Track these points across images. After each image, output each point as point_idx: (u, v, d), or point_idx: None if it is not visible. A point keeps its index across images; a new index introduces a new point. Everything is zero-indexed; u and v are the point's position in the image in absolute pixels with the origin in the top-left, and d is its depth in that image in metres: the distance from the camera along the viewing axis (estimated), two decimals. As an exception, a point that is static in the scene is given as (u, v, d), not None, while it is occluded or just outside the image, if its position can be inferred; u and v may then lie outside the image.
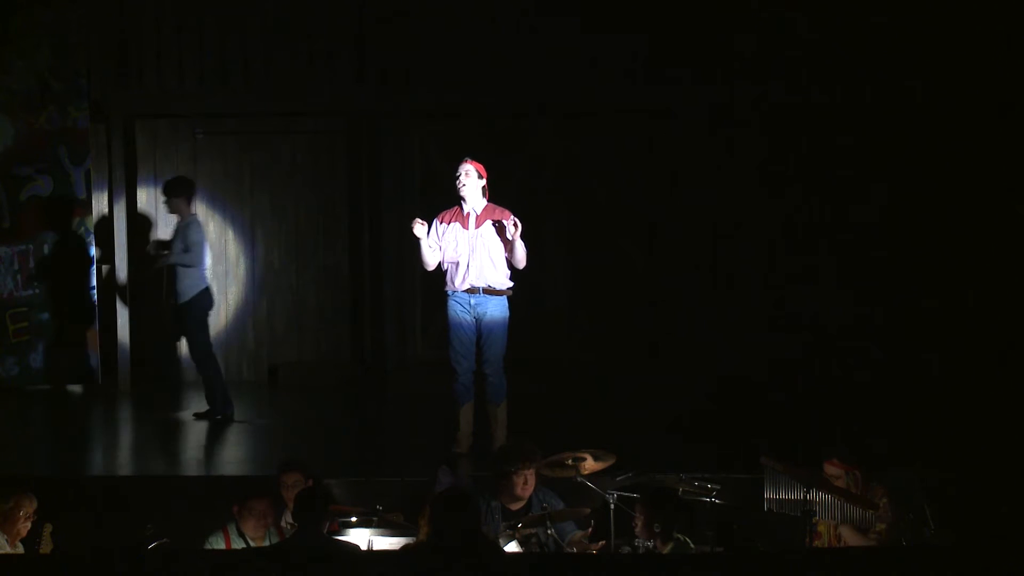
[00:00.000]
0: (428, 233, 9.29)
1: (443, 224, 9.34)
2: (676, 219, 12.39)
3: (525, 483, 7.92)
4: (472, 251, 9.25)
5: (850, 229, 12.18)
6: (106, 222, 12.40)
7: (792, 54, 12.05)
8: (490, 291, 9.27)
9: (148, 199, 12.72)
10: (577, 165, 12.54)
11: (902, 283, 12.10)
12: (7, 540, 7.33)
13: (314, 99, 12.49)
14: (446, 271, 9.37)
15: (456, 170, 9.31)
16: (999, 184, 11.94)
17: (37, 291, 11.98)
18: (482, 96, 12.31)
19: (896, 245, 12.15)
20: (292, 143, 12.81)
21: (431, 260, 9.35)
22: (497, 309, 9.29)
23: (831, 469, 7.59)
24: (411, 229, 9.26)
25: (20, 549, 7.38)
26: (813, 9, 12.07)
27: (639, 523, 7.32)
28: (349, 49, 12.38)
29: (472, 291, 9.27)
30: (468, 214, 9.29)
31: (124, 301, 12.30)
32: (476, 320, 9.30)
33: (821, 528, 7.54)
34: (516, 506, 7.96)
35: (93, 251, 12.02)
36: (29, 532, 7.44)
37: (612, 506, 7.75)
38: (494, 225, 9.22)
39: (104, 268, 12.32)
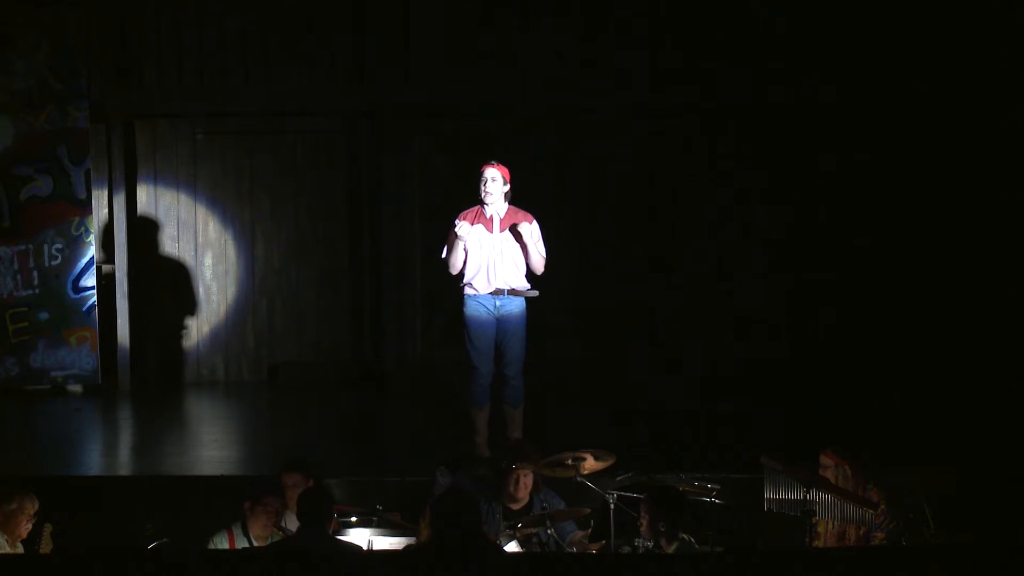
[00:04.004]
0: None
1: (467, 224, 9.19)
2: (677, 219, 12.39)
3: (518, 483, 7.92)
4: (499, 254, 9.14)
5: (848, 229, 12.19)
6: (106, 222, 12.40)
7: (787, 55, 12.06)
8: (515, 292, 9.22)
9: (148, 199, 12.72)
10: (578, 165, 12.52)
11: (901, 282, 12.11)
12: (7, 540, 7.33)
13: (314, 99, 12.49)
14: (471, 273, 9.18)
15: (480, 173, 9.13)
16: (992, 181, 11.97)
17: (37, 291, 11.98)
18: (482, 96, 12.31)
19: (893, 244, 12.16)
20: (292, 143, 12.80)
21: (461, 261, 9.21)
22: (518, 310, 9.21)
23: (824, 459, 7.62)
24: (453, 230, 9.05)
25: (20, 549, 7.38)
26: (813, 11, 12.11)
27: (644, 522, 7.32)
28: (349, 49, 12.38)
29: (497, 293, 9.18)
30: (491, 217, 9.18)
31: (124, 301, 12.29)
32: (497, 321, 9.21)
33: (821, 528, 7.55)
34: (516, 506, 7.97)
35: (93, 251, 12.01)
36: (29, 532, 7.44)
37: (612, 506, 7.76)
38: (515, 229, 9.13)
39: (104, 268, 12.32)
